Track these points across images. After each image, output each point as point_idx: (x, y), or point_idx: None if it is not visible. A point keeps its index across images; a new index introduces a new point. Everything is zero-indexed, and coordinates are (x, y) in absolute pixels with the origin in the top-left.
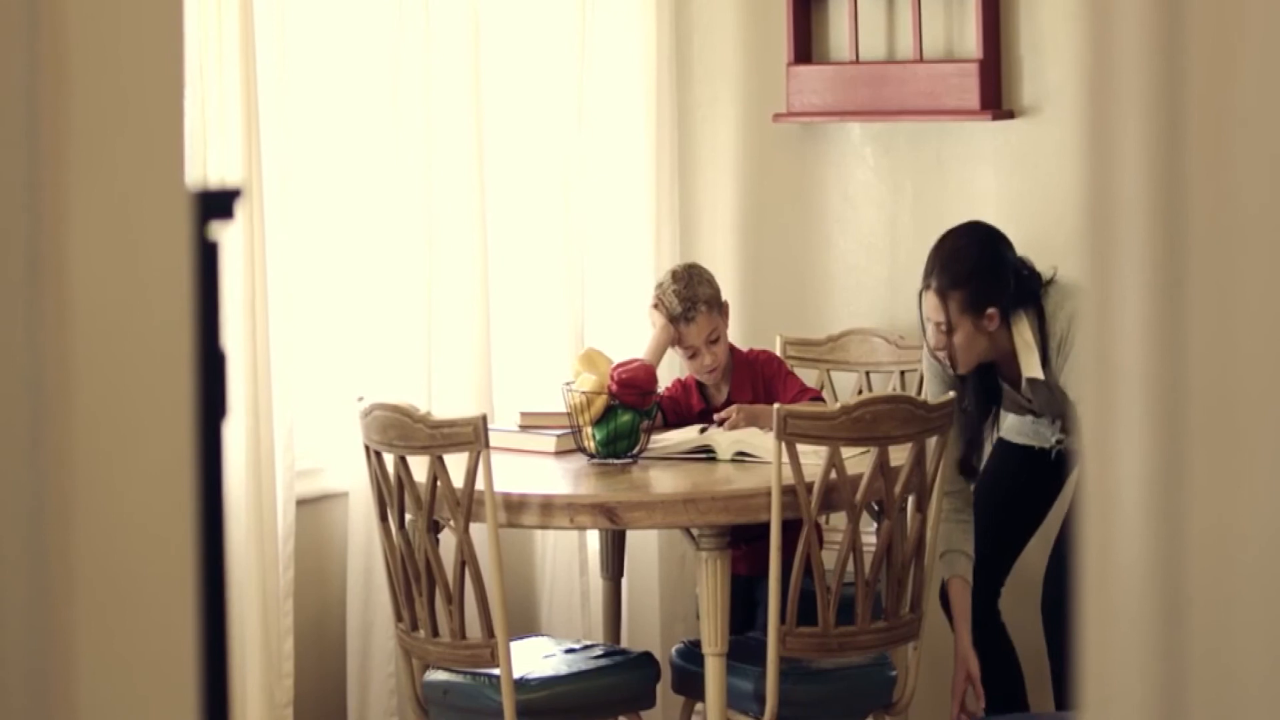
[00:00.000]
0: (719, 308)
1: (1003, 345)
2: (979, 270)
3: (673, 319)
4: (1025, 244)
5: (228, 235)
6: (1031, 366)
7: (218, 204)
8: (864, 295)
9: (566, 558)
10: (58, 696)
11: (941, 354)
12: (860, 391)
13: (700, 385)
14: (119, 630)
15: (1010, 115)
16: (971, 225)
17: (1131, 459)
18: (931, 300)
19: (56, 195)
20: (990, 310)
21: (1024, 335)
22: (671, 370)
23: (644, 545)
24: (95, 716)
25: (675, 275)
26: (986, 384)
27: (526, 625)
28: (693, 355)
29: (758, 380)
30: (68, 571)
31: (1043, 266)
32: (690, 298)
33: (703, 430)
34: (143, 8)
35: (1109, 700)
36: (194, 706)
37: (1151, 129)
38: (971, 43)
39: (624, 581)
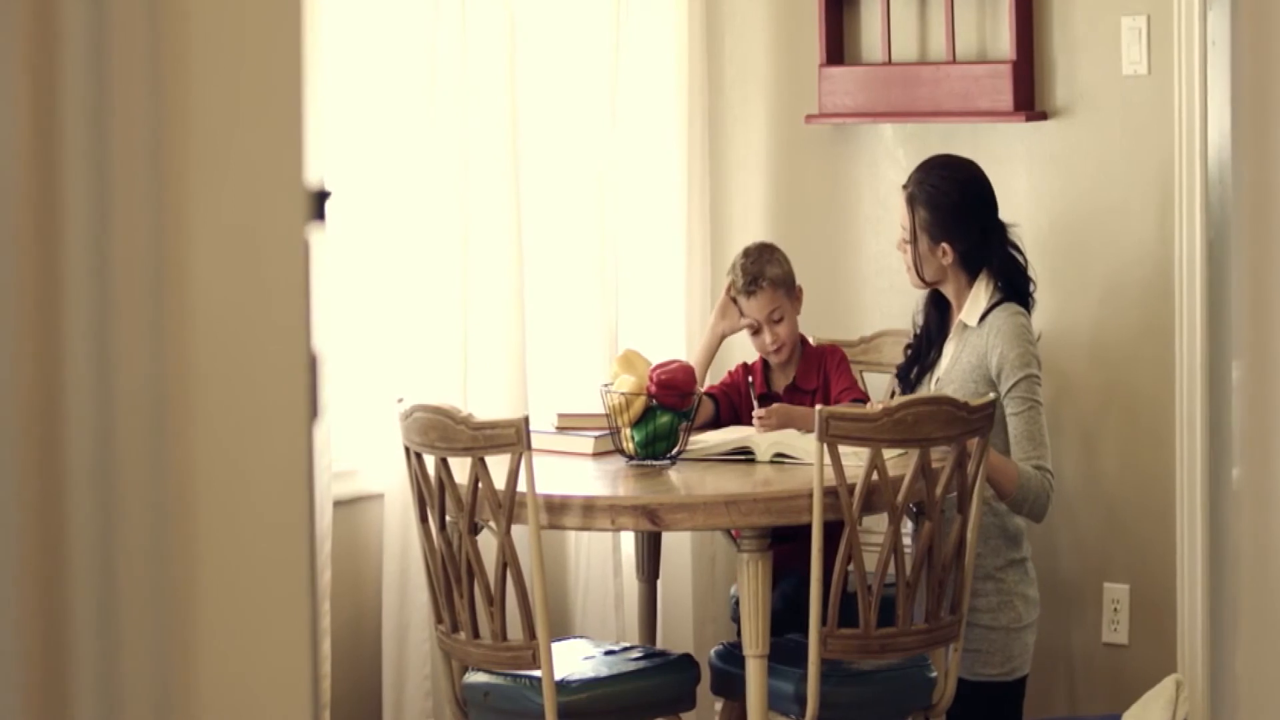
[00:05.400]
0: (785, 288)
1: (959, 285)
2: (948, 206)
3: (737, 292)
4: (1057, 247)
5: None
6: (970, 314)
7: (312, 206)
8: (896, 296)
9: (600, 560)
10: (180, 687)
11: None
12: (893, 393)
13: (766, 368)
14: (240, 625)
15: (1043, 117)
16: (966, 164)
17: None
18: (904, 205)
19: (179, 199)
20: (944, 245)
21: (978, 294)
22: (717, 376)
23: (677, 547)
24: (216, 706)
25: (746, 252)
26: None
27: (560, 627)
28: (755, 331)
29: (823, 371)
30: (190, 568)
31: (1070, 268)
32: (756, 273)
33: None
34: (264, 8)
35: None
36: (309, 697)
37: None
38: (1005, 44)
39: (658, 583)
